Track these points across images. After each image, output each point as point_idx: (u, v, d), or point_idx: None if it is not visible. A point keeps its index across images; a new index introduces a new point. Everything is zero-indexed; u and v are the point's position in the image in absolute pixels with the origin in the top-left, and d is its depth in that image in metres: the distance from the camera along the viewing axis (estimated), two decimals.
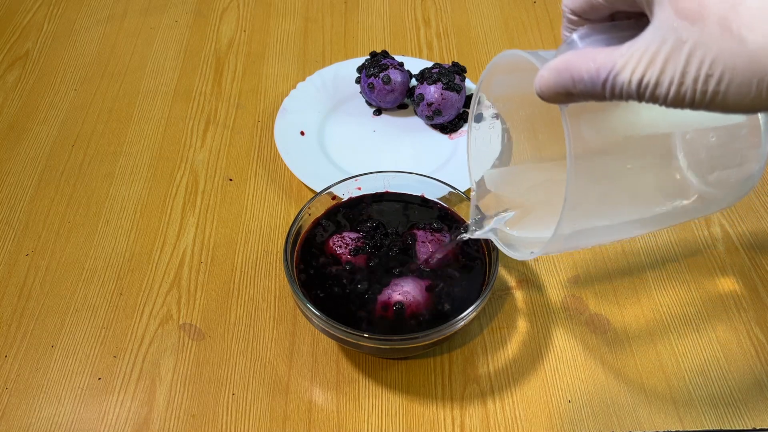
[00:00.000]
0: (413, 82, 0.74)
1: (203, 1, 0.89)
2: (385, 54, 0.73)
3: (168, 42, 0.83)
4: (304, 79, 0.75)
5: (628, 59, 0.28)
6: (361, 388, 0.52)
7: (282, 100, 0.73)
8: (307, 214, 0.54)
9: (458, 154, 0.69)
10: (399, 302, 0.49)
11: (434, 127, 0.72)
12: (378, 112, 0.74)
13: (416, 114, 0.74)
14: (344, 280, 0.50)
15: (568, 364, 0.54)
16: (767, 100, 0.27)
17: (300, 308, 0.49)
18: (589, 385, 0.53)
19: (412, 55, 0.82)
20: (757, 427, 0.50)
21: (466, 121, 0.72)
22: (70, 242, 0.62)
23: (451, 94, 0.68)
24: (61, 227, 0.63)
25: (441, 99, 0.68)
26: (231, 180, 0.67)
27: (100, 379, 0.53)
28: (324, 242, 0.53)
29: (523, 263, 0.60)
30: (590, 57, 0.29)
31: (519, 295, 0.58)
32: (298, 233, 0.53)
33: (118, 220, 0.64)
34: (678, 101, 0.28)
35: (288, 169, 0.67)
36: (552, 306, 0.58)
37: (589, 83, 0.29)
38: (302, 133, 0.70)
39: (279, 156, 0.69)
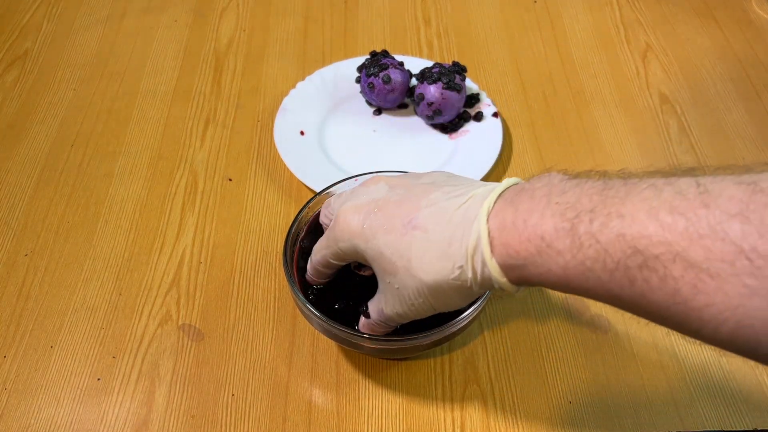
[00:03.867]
0: (413, 81, 0.74)
1: (203, 1, 0.89)
2: (385, 53, 0.73)
3: (167, 41, 0.83)
4: (303, 79, 0.75)
5: (380, 308, 0.44)
6: (360, 389, 0.52)
7: (282, 100, 0.73)
8: (307, 214, 0.54)
9: (458, 153, 0.69)
10: None
11: (434, 126, 0.72)
12: (378, 111, 0.74)
13: (416, 114, 0.73)
14: (344, 280, 0.50)
15: (568, 364, 0.54)
16: (460, 300, 0.40)
17: (299, 308, 0.49)
18: (590, 385, 0.52)
19: (412, 55, 0.81)
20: (758, 428, 0.50)
21: (466, 120, 0.72)
22: (69, 242, 0.62)
23: (452, 93, 0.68)
24: (60, 227, 0.63)
25: (441, 99, 0.68)
26: (230, 180, 0.67)
27: (99, 379, 0.53)
28: None
29: None
30: (369, 320, 0.45)
31: (519, 296, 0.58)
32: (297, 233, 0.53)
33: (117, 220, 0.64)
34: (420, 315, 0.42)
35: (288, 169, 0.67)
36: (552, 306, 0.57)
37: (384, 324, 0.45)
38: (302, 133, 0.70)
39: (278, 156, 0.69)
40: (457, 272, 0.37)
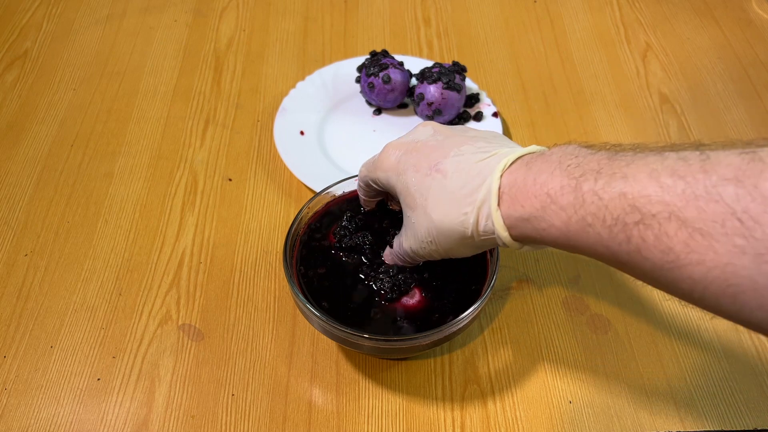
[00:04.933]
0: (413, 81, 0.74)
1: (203, 1, 0.89)
2: (385, 53, 0.73)
3: (167, 41, 0.83)
4: (303, 79, 0.75)
5: (400, 241, 0.47)
6: (360, 389, 0.52)
7: (281, 100, 0.73)
8: (307, 214, 0.54)
9: None
10: (399, 302, 0.49)
11: None
12: (378, 111, 0.74)
13: (416, 114, 0.73)
14: (344, 280, 0.50)
15: (568, 364, 0.54)
16: (462, 249, 0.42)
17: (300, 308, 0.49)
18: (590, 385, 0.52)
19: (412, 55, 0.81)
20: (759, 428, 0.50)
21: (466, 120, 0.72)
22: (69, 242, 0.62)
23: (452, 93, 0.68)
24: (60, 227, 0.63)
25: (441, 98, 0.68)
26: (230, 180, 0.67)
27: (99, 379, 0.53)
28: (324, 242, 0.53)
29: (524, 263, 0.60)
30: (392, 250, 0.49)
31: (519, 296, 0.58)
32: (297, 233, 0.53)
33: (117, 220, 0.63)
34: (429, 257, 0.44)
35: (287, 168, 0.67)
36: (552, 306, 0.57)
37: (401, 258, 0.48)
38: (302, 133, 0.70)
39: (278, 156, 0.69)
40: (461, 218, 0.39)
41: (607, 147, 0.36)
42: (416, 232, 0.43)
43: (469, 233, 0.40)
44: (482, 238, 0.40)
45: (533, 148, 0.40)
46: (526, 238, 0.38)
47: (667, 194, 0.30)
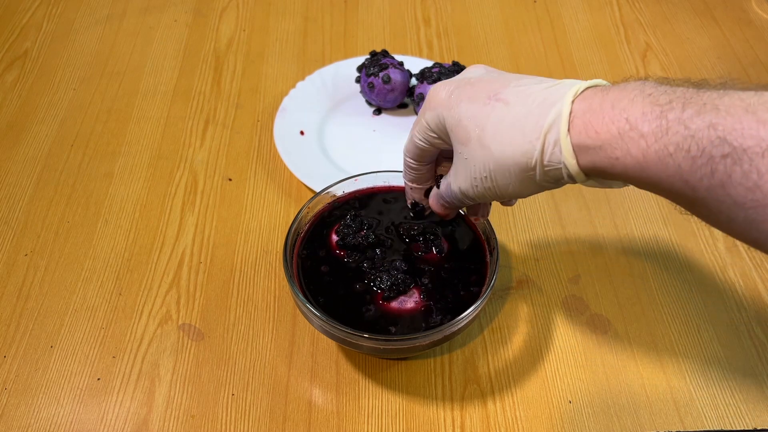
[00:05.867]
0: (413, 81, 0.74)
1: (202, 1, 0.89)
2: (385, 53, 0.73)
3: (167, 41, 0.83)
4: (303, 79, 0.75)
5: (448, 182, 0.44)
6: (360, 389, 0.52)
7: (281, 100, 0.73)
8: (307, 214, 0.54)
9: None
10: (399, 302, 0.49)
11: None
12: (378, 111, 0.74)
13: (416, 114, 0.73)
14: (344, 280, 0.50)
15: (568, 364, 0.54)
16: (519, 187, 0.39)
17: (299, 308, 0.49)
18: (589, 385, 0.52)
19: (412, 55, 0.81)
20: (758, 428, 0.50)
21: None
22: (69, 242, 0.62)
23: None
24: (60, 227, 0.63)
25: None
26: (230, 180, 0.67)
27: (99, 379, 0.53)
28: (323, 242, 0.53)
29: (524, 263, 0.60)
30: (438, 192, 0.47)
31: (519, 295, 0.58)
32: (297, 233, 0.53)
33: (117, 220, 0.64)
34: (480, 198, 0.41)
35: (287, 168, 0.67)
36: (552, 306, 0.57)
37: (448, 201, 0.45)
38: (302, 133, 0.70)
39: (278, 156, 0.69)
40: (525, 147, 0.36)
41: (691, 82, 0.34)
42: (469, 169, 0.40)
43: (533, 164, 0.36)
44: (547, 169, 0.36)
45: (600, 81, 0.37)
46: (595, 170, 0.35)
47: (764, 129, 0.28)
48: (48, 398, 0.51)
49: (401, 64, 0.72)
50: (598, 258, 0.61)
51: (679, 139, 0.31)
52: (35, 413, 0.51)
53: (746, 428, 0.50)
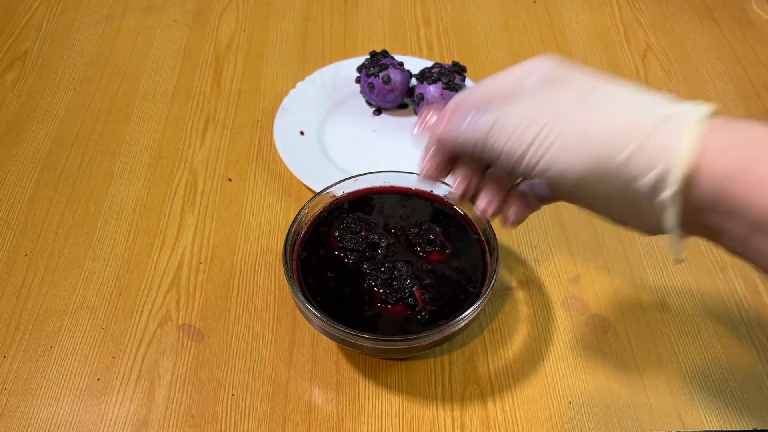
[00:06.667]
0: (413, 81, 0.74)
1: (203, 1, 0.89)
2: (385, 53, 0.73)
3: (167, 41, 0.83)
4: (303, 79, 0.75)
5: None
6: (360, 389, 0.52)
7: (281, 100, 0.73)
8: (307, 214, 0.54)
9: None
10: (399, 302, 0.49)
11: None
12: (378, 111, 0.74)
13: (416, 114, 0.73)
14: (344, 280, 0.50)
15: (568, 364, 0.54)
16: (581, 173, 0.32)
17: (299, 308, 0.49)
18: (589, 385, 0.52)
19: (412, 55, 0.81)
20: (758, 428, 0.50)
21: None
22: (68, 242, 0.62)
23: (452, 93, 0.68)
24: (59, 227, 0.63)
25: (441, 98, 0.68)
26: (230, 180, 0.67)
27: (99, 379, 0.53)
28: (323, 242, 0.53)
29: (524, 263, 0.60)
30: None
31: (519, 296, 0.58)
32: (297, 233, 0.53)
33: (117, 220, 0.63)
34: (500, 152, 0.34)
35: (287, 169, 0.67)
36: (552, 306, 0.57)
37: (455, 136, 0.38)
38: (302, 133, 0.70)
39: (278, 156, 0.69)
40: (628, 125, 0.30)
41: None
42: (537, 112, 0.32)
43: (627, 151, 0.29)
44: (631, 166, 0.29)
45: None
46: (710, 203, 0.29)
47: None
48: (48, 398, 0.51)
49: (401, 64, 0.72)
50: (598, 258, 0.61)
51: None
52: (35, 413, 0.51)
53: (746, 428, 0.50)
